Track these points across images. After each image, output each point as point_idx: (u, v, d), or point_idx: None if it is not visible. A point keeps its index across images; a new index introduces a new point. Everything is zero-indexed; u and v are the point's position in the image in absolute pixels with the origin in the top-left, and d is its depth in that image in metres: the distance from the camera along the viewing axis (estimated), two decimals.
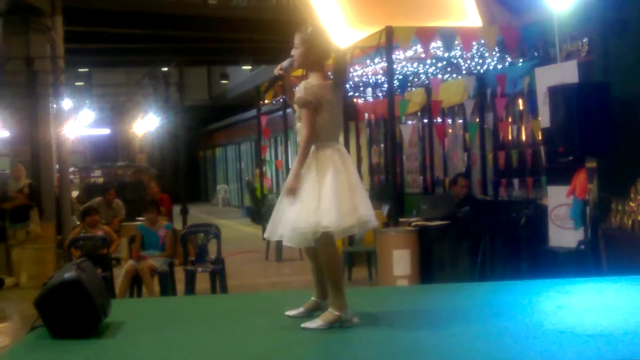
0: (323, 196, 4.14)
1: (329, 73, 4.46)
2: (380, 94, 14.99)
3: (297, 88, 4.34)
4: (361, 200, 4.29)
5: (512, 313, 4.37)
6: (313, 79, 4.34)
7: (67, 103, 15.38)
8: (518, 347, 3.59)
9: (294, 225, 4.16)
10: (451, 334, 3.90)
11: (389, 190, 11.33)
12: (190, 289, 8.98)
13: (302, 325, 4.17)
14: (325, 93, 4.30)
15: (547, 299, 4.75)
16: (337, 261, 4.26)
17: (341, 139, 13.83)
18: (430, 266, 8.90)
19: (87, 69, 23.35)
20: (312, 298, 4.48)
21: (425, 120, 14.63)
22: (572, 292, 4.92)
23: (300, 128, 4.29)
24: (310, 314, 4.38)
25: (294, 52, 4.41)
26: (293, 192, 4.18)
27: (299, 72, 4.89)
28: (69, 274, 4.04)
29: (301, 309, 4.44)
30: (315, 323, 4.17)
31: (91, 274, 4.31)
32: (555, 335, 3.74)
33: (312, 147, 4.27)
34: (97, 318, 4.12)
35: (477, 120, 12.53)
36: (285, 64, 4.43)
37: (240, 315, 4.61)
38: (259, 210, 18.06)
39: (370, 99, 15.77)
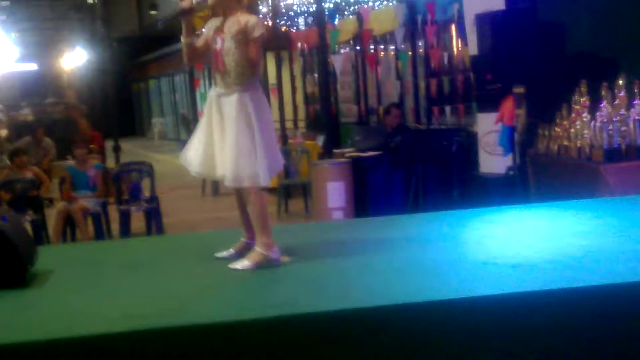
0: (259, 146, 4.15)
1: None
2: (311, 22, 14.84)
3: (242, 22, 4.19)
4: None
5: (438, 245, 4.45)
6: (254, 17, 4.28)
7: None
8: (440, 279, 3.66)
9: (231, 168, 4.16)
10: (377, 269, 3.96)
11: (323, 121, 11.32)
12: (125, 229, 8.93)
13: (230, 265, 4.19)
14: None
15: (474, 229, 4.84)
16: (263, 204, 4.27)
17: (274, 69, 13.70)
18: (365, 197, 9.00)
19: (8, 2, 22.46)
20: (242, 239, 4.48)
21: (358, 48, 14.58)
22: (498, 221, 5.02)
23: (242, 60, 4.19)
24: (241, 254, 4.39)
25: None
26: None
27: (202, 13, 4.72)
28: None
29: (231, 250, 4.45)
30: (242, 263, 4.18)
31: (15, 223, 4.22)
32: (477, 266, 3.82)
33: (248, 89, 4.21)
34: (23, 268, 4.05)
35: (408, 48, 12.53)
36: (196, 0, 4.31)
37: (170, 258, 4.60)
38: None
39: (302, 27, 15.61)
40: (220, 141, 4.24)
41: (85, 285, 4.06)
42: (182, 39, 4.36)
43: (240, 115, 4.18)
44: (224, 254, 4.45)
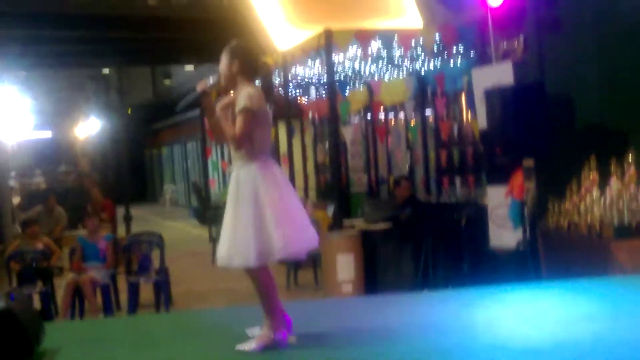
0: (257, 222, 4.06)
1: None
2: (323, 93, 14.98)
3: (238, 97, 4.20)
4: (298, 224, 4.23)
5: (447, 327, 4.40)
6: (251, 89, 4.22)
7: (6, 108, 15.07)
8: None
9: (223, 246, 4.13)
10: (382, 353, 3.91)
11: (334, 190, 11.33)
12: (133, 301, 8.88)
13: (237, 347, 4.15)
14: (264, 104, 4.24)
15: (484, 309, 4.79)
16: (266, 285, 4.20)
17: (285, 138, 13.75)
18: (374, 270, 8.94)
19: (25, 73, 22.88)
20: None
21: (368, 116, 14.69)
22: (508, 301, 4.98)
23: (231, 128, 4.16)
24: None
25: (221, 68, 4.33)
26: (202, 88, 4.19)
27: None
28: None
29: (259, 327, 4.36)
30: (249, 345, 4.15)
31: (22, 301, 4.23)
32: (487, 351, 3.77)
33: (255, 162, 4.18)
34: (30, 347, 4.03)
35: (418, 119, 12.61)
36: (210, 81, 4.37)
37: (177, 337, 4.57)
38: (205, 212, 17.95)
39: (313, 97, 15.76)
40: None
41: None
42: (207, 120, 4.41)
43: (233, 194, 4.15)
44: (253, 331, 4.34)
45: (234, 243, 4.09)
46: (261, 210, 4.08)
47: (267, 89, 4.44)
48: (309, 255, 10.71)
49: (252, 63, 4.35)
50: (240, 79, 4.31)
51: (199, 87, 4.34)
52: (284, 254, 4.16)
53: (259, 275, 4.17)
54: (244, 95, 4.15)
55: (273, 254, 4.12)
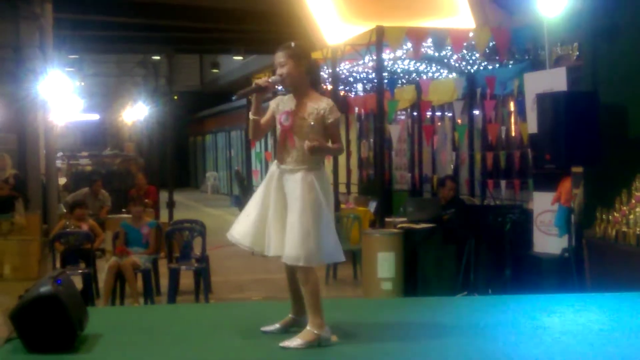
0: (320, 226, 4.18)
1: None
2: (370, 88, 14.95)
3: (318, 107, 4.27)
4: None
5: (490, 333, 4.36)
6: (328, 99, 4.35)
7: (56, 90, 15.28)
8: None
9: (292, 246, 4.17)
10: (426, 354, 3.90)
11: (376, 187, 11.30)
12: (173, 287, 8.96)
13: (281, 344, 4.15)
14: None
15: (528, 317, 4.74)
16: (316, 284, 4.25)
17: None
18: (415, 269, 8.90)
19: (77, 56, 23.20)
20: (289, 315, 4.46)
21: (415, 114, 14.61)
22: (552, 311, 4.91)
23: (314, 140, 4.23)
24: (287, 330, 4.37)
25: (280, 70, 4.33)
26: (312, 149, 4.17)
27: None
28: (45, 288, 4.01)
29: (277, 325, 4.43)
30: (294, 342, 4.15)
31: (68, 287, 4.27)
32: None
33: (322, 166, 4.32)
34: (73, 333, 4.08)
35: (466, 120, 12.52)
36: (273, 78, 4.36)
37: (218, 329, 4.59)
38: (247, 201, 18.04)
39: (360, 93, 15.74)
40: (275, 218, 4.25)
41: (133, 354, 4.07)
42: (251, 115, 4.41)
43: (305, 194, 4.19)
44: (270, 328, 4.43)
45: (305, 243, 4.14)
46: (330, 214, 4.28)
47: (317, 85, 4.45)
48: (350, 251, 10.81)
49: (313, 65, 4.44)
50: (305, 81, 4.35)
51: (261, 82, 4.35)
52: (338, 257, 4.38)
53: (312, 272, 4.22)
54: (332, 107, 4.29)
55: (338, 256, 4.34)
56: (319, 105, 4.27)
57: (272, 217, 4.27)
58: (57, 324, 3.98)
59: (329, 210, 4.27)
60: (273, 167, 4.38)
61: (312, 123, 4.25)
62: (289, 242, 4.16)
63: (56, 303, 3.96)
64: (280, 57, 4.32)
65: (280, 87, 4.50)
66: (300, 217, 4.15)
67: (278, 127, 4.34)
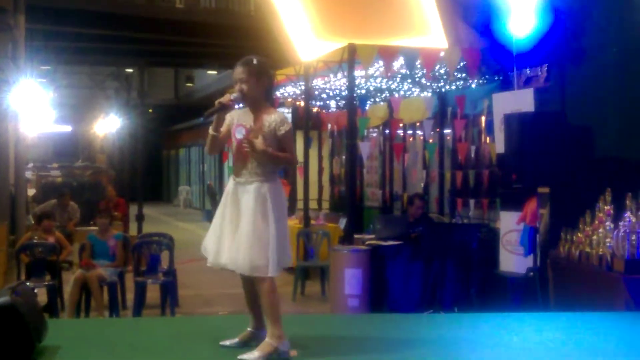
0: (273, 237, 4.21)
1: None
2: (343, 105, 15.00)
3: (270, 120, 4.33)
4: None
5: (452, 350, 4.38)
6: (280, 113, 4.43)
7: (28, 101, 15.17)
8: None
9: (245, 257, 4.20)
10: None
11: (347, 203, 11.32)
12: (139, 301, 8.90)
13: (239, 357, 4.15)
14: None
15: (490, 336, 4.77)
16: (273, 295, 4.27)
17: (302, 148, 13.81)
18: (382, 286, 8.92)
19: (49, 67, 23.07)
20: (248, 328, 4.47)
21: (387, 132, 14.69)
22: (515, 329, 4.95)
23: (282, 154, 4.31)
24: (246, 344, 4.38)
25: (240, 86, 4.37)
26: (254, 148, 4.22)
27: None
28: (2, 299, 3.97)
29: (235, 340, 4.45)
30: (252, 355, 4.16)
31: (27, 298, 4.23)
32: None
33: (276, 178, 4.34)
34: (31, 344, 4.04)
35: (436, 139, 12.60)
36: (234, 95, 4.40)
37: (179, 343, 4.57)
38: None
39: (333, 109, 15.79)
40: (230, 230, 4.30)
41: None
42: (211, 131, 4.46)
43: (258, 205, 4.23)
44: (228, 342, 4.43)
45: (259, 254, 4.20)
46: (282, 224, 4.31)
47: (270, 99, 4.53)
48: (318, 267, 10.79)
49: (271, 81, 4.51)
50: (262, 97, 4.43)
51: (224, 100, 4.39)
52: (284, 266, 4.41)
53: (270, 285, 4.24)
54: (283, 119, 4.36)
55: (284, 265, 4.36)
56: (271, 118, 4.35)
57: (227, 229, 4.32)
58: (14, 334, 3.94)
59: (283, 222, 4.33)
60: (230, 181, 4.44)
61: (264, 135, 4.29)
62: (243, 252, 4.21)
63: (13, 313, 3.93)
64: (240, 73, 4.36)
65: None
66: (253, 228, 4.21)
67: (234, 140, 4.37)
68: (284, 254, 4.31)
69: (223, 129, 4.48)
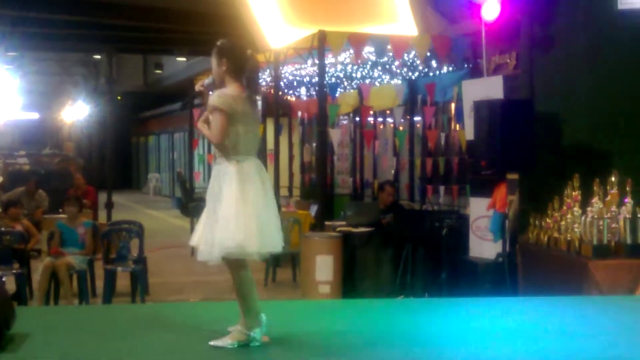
0: (222, 218, 4.09)
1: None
2: (313, 93, 14.98)
3: (211, 94, 4.30)
4: (272, 222, 4.25)
5: (422, 335, 4.42)
6: (228, 89, 4.30)
7: None
8: None
9: (202, 240, 4.17)
10: (354, 354, 3.93)
11: (318, 190, 11.34)
12: (109, 289, 8.85)
13: (210, 342, 4.15)
14: (239, 105, 4.25)
15: (459, 320, 4.82)
16: (247, 282, 4.22)
17: (272, 136, 13.79)
18: (353, 272, 8.96)
19: (16, 54, 22.76)
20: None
21: (357, 119, 14.71)
22: (484, 314, 5.00)
23: (208, 131, 4.26)
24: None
25: (213, 68, 4.36)
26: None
27: None
28: None
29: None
30: (223, 341, 4.16)
31: None
32: None
33: (233, 160, 4.22)
34: None
35: (406, 126, 12.64)
36: (207, 81, 4.40)
37: (150, 329, 4.56)
38: (188, 203, 17.90)
39: (304, 97, 15.76)
40: (206, 213, 4.27)
41: (60, 352, 4.01)
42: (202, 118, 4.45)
43: (224, 186, 4.16)
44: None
45: (205, 237, 4.15)
46: (237, 207, 4.10)
47: (253, 86, 4.41)
48: (289, 254, 10.81)
49: (239, 62, 4.36)
50: (228, 78, 4.33)
51: (197, 87, 4.39)
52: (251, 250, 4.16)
53: (239, 272, 4.19)
54: (216, 94, 4.24)
55: (249, 250, 4.13)
56: (213, 96, 4.26)
57: (204, 213, 4.29)
58: None
59: (257, 201, 4.16)
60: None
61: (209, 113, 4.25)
62: (204, 237, 4.16)
63: None
64: (212, 55, 4.35)
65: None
66: (210, 211, 4.17)
67: None
68: (253, 236, 4.08)
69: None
